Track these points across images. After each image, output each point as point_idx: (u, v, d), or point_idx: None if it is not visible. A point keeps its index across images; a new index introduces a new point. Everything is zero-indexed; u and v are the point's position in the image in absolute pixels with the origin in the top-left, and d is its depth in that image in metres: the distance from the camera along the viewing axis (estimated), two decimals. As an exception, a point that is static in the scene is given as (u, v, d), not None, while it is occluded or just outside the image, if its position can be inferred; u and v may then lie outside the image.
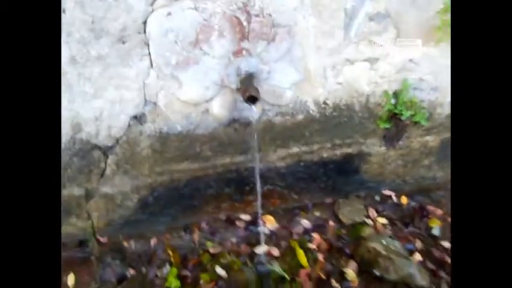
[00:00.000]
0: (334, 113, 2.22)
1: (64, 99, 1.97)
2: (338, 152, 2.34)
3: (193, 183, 2.28)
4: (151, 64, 1.96)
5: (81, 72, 1.92)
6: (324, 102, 2.19)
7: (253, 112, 1.90)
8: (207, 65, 1.96)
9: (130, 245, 2.34)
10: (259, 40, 1.94)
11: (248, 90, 1.84)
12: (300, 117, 2.19)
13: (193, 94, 2.01)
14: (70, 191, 2.20)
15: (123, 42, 1.90)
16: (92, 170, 2.17)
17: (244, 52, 1.95)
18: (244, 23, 1.90)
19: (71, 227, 2.30)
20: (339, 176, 2.40)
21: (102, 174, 2.19)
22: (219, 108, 2.06)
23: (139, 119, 2.08)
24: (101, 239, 2.35)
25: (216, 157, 2.23)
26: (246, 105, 1.98)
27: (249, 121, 2.12)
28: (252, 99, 1.84)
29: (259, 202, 2.18)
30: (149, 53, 1.93)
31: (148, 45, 1.92)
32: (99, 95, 1.99)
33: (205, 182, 2.29)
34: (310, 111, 2.19)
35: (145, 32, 1.89)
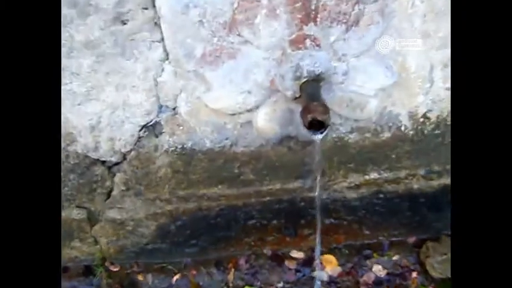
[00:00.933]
0: (436, 131, 1.40)
1: (45, 101, 1.28)
2: (436, 182, 1.53)
3: (229, 213, 1.57)
4: (167, 55, 1.22)
5: (65, 65, 1.21)
6: (425, 116, 1.37)
7: (318, 138, 1.12)
8: (249, 59, 1.19)
9: (147, 279, 1.70)
10: (334, 23, 1.13)
11: (311, 109, 1.06)
12: (387, 135, 1.39)
13: (227, 101, 1.25)
14: (67, 213, 1.56)
15: (122, 23, 1.16)
16: (95, 190, 1.51)
17: (308, 42, 1.16)
18: (311, -4, 1.10)
19: (74, 250, 1.68)
20: (431, 211, 1.61)
21: (108, 195, 1.52)
22: (267, 122, 1.30)
23: (152, 129, 1.36)
24: (112, 267, 1.72)
25: (261, 182, 1.49)
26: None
27: (310, 139, 1.35)
28: (318, 126, 1.06)
29: (318, 238, 1.46)
30: (163, 39, 1.19)
31: (161, 28, 1.17)
32: (93, 96, 1.28)
33: (245, 212, 1.57)
34: (402, 128, 1.38)
35: (154, 7, 1.14)
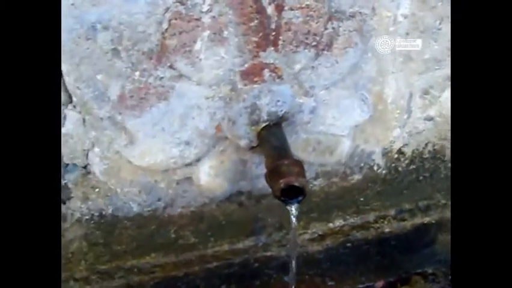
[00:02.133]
0: (411, 166, 1.12)
1: None
2: (408, 222, 1.26)
3: (167, 285, 1.18)
4: (69, 98, 0.82)
5: None
6: (399, 151, 1.09)
7: (292, 211, 0.78)
8: (187, 100, 0.82)
9: None
10: (301, 47, 0.81)
11: (283, 172, 0.71)
12: (357, 177, 1.09)
13: (158, 156, 0.87)
14: None
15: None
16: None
17: (266, 73, 0.82)
18: (269, 11, 0.76)
19: None
20: (402, 253, 1.34)
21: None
22: (213, 178, 0.93)
23: (55, 195, 0.95)
24: None
25: (205, 244, 1.13)
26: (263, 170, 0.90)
27: (267, 192, 1.02)
28: (293, 193, 0.73)
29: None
30: (61, 74, 0.79)
31: (55, 60, 0.77)
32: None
33: (187, 282, 1.19)
34: (375, 167, 1.09)
35: (42, 30, 0.73)
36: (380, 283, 1.40)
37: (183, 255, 1.14)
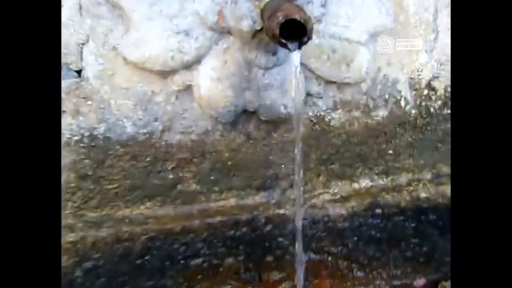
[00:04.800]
0: (445, 110, 1.02)
1: None
2: (449, 189, 1.12)
3: (162, 245, 1.06)
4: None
5: None
6: (429, 86, 1.00)
7: (294, 69, 0.70)
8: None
9: None
10: None
11: (281, 8, 0.66)
12: (382, 113, 1.00)
13: (155, 46, 0.84)
14: None
15: None
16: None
17: None
18: None
19: None
20: (444, 236, 1.17)
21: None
22: (215, 83, 0.88)
23: (44, 105, 0.91)
24: None
25: (207, 195, 1.03)
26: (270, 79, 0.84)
27: (277, 116, 0.94)
28: (294, 32, 0.66)
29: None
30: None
31: None
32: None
33: (186, 243, 1.06)
34: (402, 102, 1.00)
35: None
36: (421, 281, 1.21)
37: (182, 208, 1.03)
